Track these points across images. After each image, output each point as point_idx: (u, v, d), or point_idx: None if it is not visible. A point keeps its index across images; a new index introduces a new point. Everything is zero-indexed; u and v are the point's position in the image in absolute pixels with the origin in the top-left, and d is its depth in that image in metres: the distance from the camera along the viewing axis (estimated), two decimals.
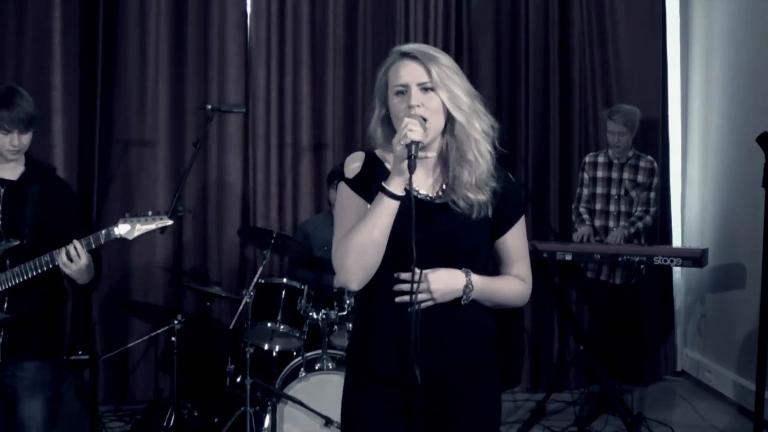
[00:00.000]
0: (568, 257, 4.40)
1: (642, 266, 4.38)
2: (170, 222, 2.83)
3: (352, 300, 3.84)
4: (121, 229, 2.74)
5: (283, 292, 3.95)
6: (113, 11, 4.69)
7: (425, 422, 1.96)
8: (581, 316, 5.17)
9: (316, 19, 4.96)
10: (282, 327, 3.92)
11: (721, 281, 4.95)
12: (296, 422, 3.58)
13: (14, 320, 2.76)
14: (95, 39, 4.63)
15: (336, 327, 3.92)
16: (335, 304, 3.88)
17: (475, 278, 1.96)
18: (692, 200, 5.43)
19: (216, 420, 4.19)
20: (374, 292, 1.99)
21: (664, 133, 5.36)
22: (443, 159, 2.00)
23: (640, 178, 4.63)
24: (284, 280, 4.01)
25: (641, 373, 5.23)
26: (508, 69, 5.24)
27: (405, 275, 1.90)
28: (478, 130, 1.96)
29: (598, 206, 4.72)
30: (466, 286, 1.95)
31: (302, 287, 3.93)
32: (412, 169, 1.82)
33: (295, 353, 4.02)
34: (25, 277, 2.71)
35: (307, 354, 3.85)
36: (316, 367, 3.71)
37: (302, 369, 3.74)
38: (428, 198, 2.00)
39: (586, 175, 4.78)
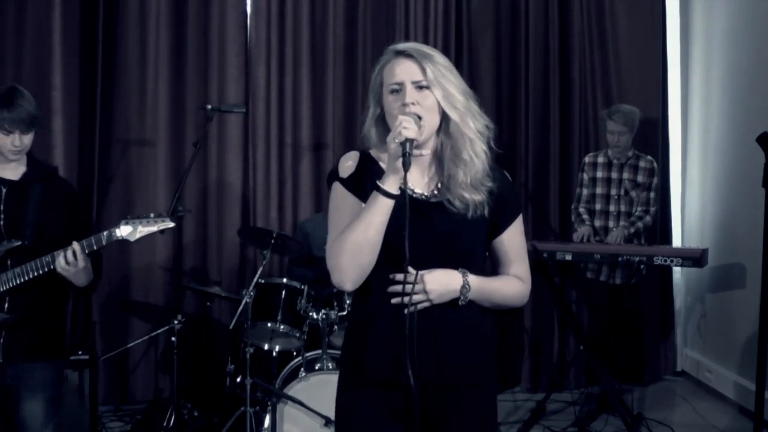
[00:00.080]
0: (568, 257, 4.40)
1: (642, 266, 4.38)
2: (172, 224, 2.81)
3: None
4: (123, 231, 2.73)
5: (283, 292, 3.95)
6: (113, 11, 4.69)
7: (420, 426, 1.93)
8: (581, 316, 5.17)
9: (316, 19, 4.96)
10: (282, 327, 3.92)
11: (721, 281, 4.96)
12: (296, 422, 3.58)
13: (15, 320, 2.75)
14: (95, 39, 4.63)
15: (336, 327, 3.92)
16: (335, 304, 3.89)
17: (472, 278, 1.94)
18: (692, 200, 5.43)
19: (216, 420, 4.19)
20: (369, 292, 1.96)
21: (664, 133, 5.36)
22: (438, 158, 1.99)
23: (640, 178, 4.63)
24: (284, 280, 4.01)
25: (641, 373, 5.23)
26: (508, 69, 5.24)
27: (401, 276, 1.88)
28: (473, 129, 1.94)
29: (597, 206, 4.72)
30: (463, 287, 1.93)
31: (302, 287, 3.93)
32: (406, 166, 1.80)
33: (295, 353, 4.02)
34: (27, 278, 2.70)
35: (307, 354, 3.85)
36: (316, 367, 3.71)
37: (302, 369, 3.74)
38: (423, 197, 1.98)
39: (585, 176, 4.78)
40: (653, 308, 5.32)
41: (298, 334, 3.92)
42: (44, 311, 2.84)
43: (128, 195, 4.76)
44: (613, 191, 4.68)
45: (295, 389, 3.59)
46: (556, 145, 5.21)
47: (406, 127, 1.82)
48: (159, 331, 4.43)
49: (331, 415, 3.48)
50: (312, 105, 4.96)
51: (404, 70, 1.92)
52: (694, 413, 4.70)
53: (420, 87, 1.91)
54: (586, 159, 4.81)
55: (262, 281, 3.94)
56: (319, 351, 3.80)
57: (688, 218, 5.46)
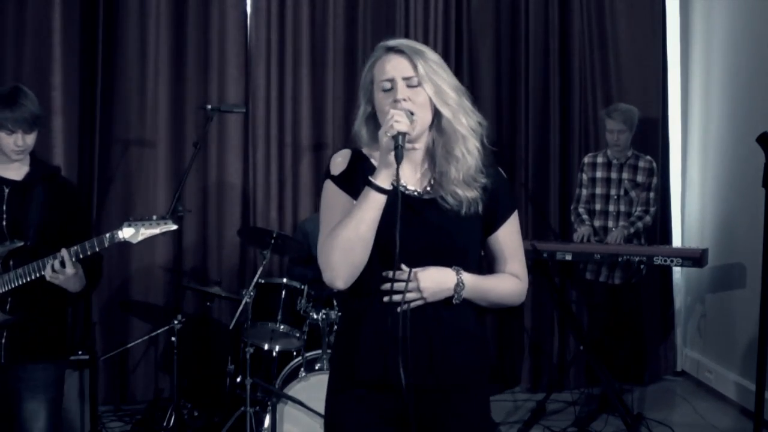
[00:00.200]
0: (568, 257, 4.40)
1: (642, 266, 4.38)
2: (174, 227, 2.80)
3: None
4: (126, 233, 2.72)
5: (283, 292, 3.94)
6: (113, 11, 4.68)
7: (413, 430, 1.88)
8: (581, 316, 5.17)
9: (316, 19, 4.96)
10: (282, 327, 3.91)
11: (721, 281, 4.96)
12: (296, 422, 3.58)
13: (17, 321, 2.75)
14: (95, 39, 4.63)
15: (336, 327, 3.92)
16: (335, 304, 3.88)
17: (467, 276, 1.91)
18: (692, 200, 5.43)
19: (216, 420, 4.19)
20: (360, 291, 1.92)
21: (664, 133, 5.36)
22: (430, 155, 1.97)
23: (640, 178, 4.63)
24: (284, 280, 4.01)
25: (641, 373, 5.23)
26: (508, 69, 5.24)
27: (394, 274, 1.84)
28: (465, 125, 1.92)
29: (597, 206, 4.72)
30: (457, 285, 1.89)
31: (302, 287, 3.93)
32: (399, 159, 1.78)
33: (295, 353, 4.02)
34: (29, 279, 2.70)
35: (307, 354, 3.84)
36: (316, 367, 3.71)
37: (302, 369, 3.74)
38: (416, 194, 1.96)
39: (584, 176, 4.78)
40: (653, 308, 5.32)
41: (298, 334, 3.92)
42: (46, 312, 2.83)
43: (128, 195, 4.76)
44: (613, 191, 4.68)
45: (295, 389, 3.59)
46: (556, 145, 5.21)
47: (398, 121, 1.80)
48: (159, 331, 4.43)
49: None
50: (312, 105, 4.96)
51: (395, 67, 1.89)
52: (694, 413, 4.70)
53: (411, 84, 1.88)
54: (585, 159, 4.81)
55: (262, 281, 3.94)
56: (319, 351, 3.79)
57: (688, 218, 5.46)
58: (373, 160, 1.96)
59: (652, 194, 4.65)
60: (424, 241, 1.90)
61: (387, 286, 1.86)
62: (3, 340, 2.75)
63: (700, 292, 5.29)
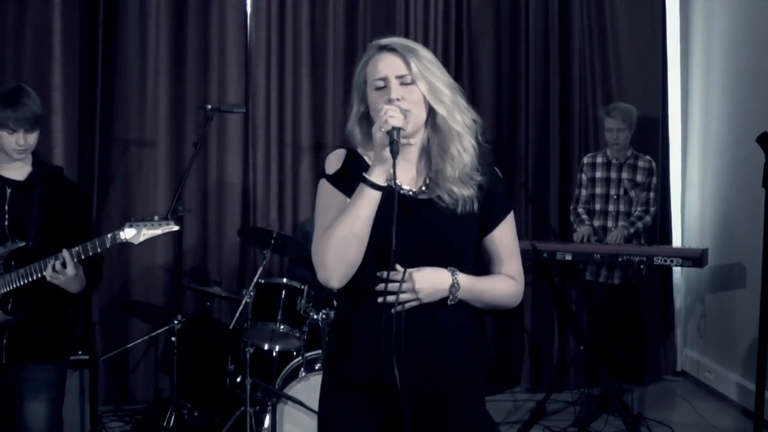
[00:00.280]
0: (568, 257, 4.40)
1: (642, 266, 4.38)
2: (176, 228, 2.80)
3: None
4: (127, 234, 2.71)
5: (283, 292, 3.94)
6: (113, 11, 4.68)
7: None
8: (581, 316, 5.17)
9: (316, 19, 4.96)
10: (282, 327, 3.91)
11: (721, 281, 4.96)
12: (296, 422, 3.58)
13: (19, 321, 2.75)
14: (95, 39, 4.63)
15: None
16: (335, 304, 3.88)
17: (462, 277, 1.89)
18: (692, 200, 5.43)
19: (216, 420, 4.19)
20: (354, 291, 1.91)
21: (664, 133, 5.36)
22: (425, 153, 1.95)
23: (639, 178, 4.63)
24: (284, 280, 4.00)
25: (641, 373, 5.23)
26: (508, 69, 5.24)
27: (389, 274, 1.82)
28: (461, 123, 1.90)
29: (597, 206, 4.72)
30: (452, 286, 1.88)
31: (302, 287, 3.93)
32: (394, 154, 1.76)
33: (295, 353, 4.02)
34: (31, 279, 2.69)
35: (307, 354, 3.84)
36: (316, 367, 3.70)
37: (302, 369, 3.73)
38: (411, 193, 1.94)
39: (584, 176, 4.78)
40: (653, 308, 5.32)
41: (298, 334, 3.92)
42: (48, 312, 2.83)
43: (128, 195, 4.76)
44: (613, 191, 4.67)
45: (295, 389, 3.59)
46: (556, 145, 5.21)
47: (392, 116, 1.78)
48: (159, 331, 4.43)
49: None
50: (312, 105, 4.96)
51: (388, 65, 1.88)
52: (694, 413, 4.70)
53: (405, 82, 1.87)
54: (585, 159, 4.81)
55: (262, 281, 3.93)
56: (319, 351, 3.80)
57: (688, 218, 5.46)
58: (367, 159, 1.95)
59: (651, 194, 4.65)
60: (420, 241, 1.88)
61: (381, 286, 1.85)
62: (4, 341, 2.75)
63: (700, 292, 5.29)
